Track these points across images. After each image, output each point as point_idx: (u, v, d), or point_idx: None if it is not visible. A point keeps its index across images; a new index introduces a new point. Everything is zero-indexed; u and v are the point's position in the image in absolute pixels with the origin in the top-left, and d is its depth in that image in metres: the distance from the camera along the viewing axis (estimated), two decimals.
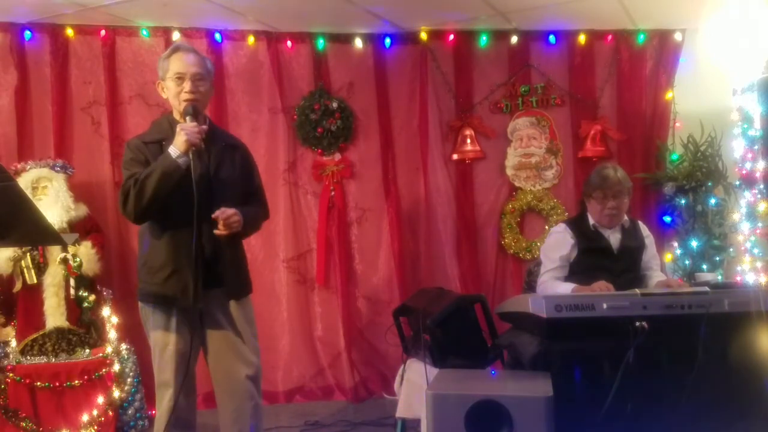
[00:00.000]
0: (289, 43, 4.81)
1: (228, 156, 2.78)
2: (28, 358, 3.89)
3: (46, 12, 4.29)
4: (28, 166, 4.10)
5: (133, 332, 3.91)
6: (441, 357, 3.05)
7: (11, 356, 3.91)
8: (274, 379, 4.71)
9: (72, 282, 4.01)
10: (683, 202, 4.59)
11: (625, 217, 3.22)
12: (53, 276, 3.97)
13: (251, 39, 4.75)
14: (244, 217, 2.66)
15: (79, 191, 4.25)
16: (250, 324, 2.79)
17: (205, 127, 2.67)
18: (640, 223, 3.35)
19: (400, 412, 3.26)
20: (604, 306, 2.39)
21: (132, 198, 2.55)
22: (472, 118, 4.91)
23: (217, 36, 4.69)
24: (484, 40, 4.86)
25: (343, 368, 4.77)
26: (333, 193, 4.84)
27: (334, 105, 4.79)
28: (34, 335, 3.92)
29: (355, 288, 4.91)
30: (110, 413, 3.86)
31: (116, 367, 3.92)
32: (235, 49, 4.78)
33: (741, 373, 2.39)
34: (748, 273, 4.20)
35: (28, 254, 3.94)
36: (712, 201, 4.56)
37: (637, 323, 2.36)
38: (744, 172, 4.32)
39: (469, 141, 4.90)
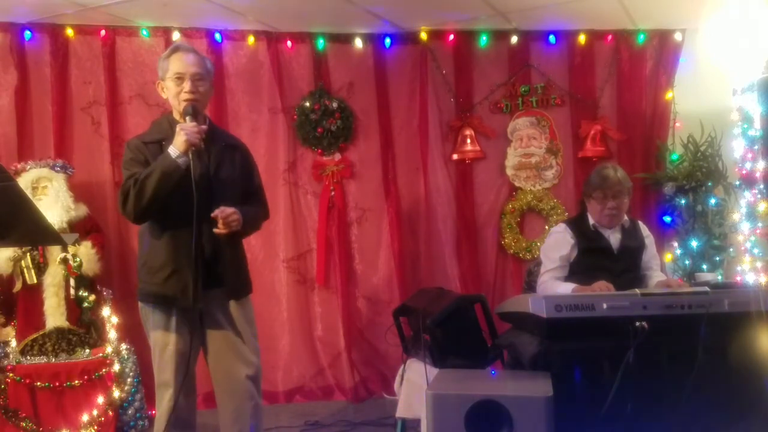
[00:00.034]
0: (289, 43, 4.81)
1: (228, 156, 2.78)
2: (28, 358, 3.89)
3: (46, 12, 4.29)
4: (28, 166, 4.10)
5: (133, 332, 3.91)
6: (441, 357, 3.05)
7: (11, 356, 3.91)
8: (274, 379, 4.71)
9: (72, 282, 4.01)
10: (683, 202, 4.59)
11: (625, 217, 3.22)
12: (53, 276, 3.97)
13: (251, 39, 4.75)
14: (243, 216, 2.66)
15: (79, 191, 4.25)
16: (250, 324, 2.79)
17: (204, 127, 2.67)
18: (640, 223, 3.35)
19: (400, 412, 3.26)
20: (604, 306, 2.39)
21: (132, 198, 2.55)
22: (472, 118, 4.91)
23: (217, 36, 4.69)
24: (484, 40, 4.86)
25: (343, 368, 4.77)
26: (333, 193, 4.84)
27: (334, 105, 4.79)
28: (34, 335, 3.92)
29: (355, 288, 4.91)
30: (110, 413, 3.86)
31: (116, 367, 3.92)
32: (235, 49, 4.78)
33: (741, 373, 2.39)
34: (748, 273, 4.20)
35: (28, 254, 3.94)
36: (712, 201, 4.56)
37: (637, 323, 2.36)
38: (744, 172, 4.32)
39: (469, 141, 4.90)
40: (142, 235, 2.73)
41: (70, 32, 4.48)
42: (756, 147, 4.24)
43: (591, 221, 3.21)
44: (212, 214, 2.57)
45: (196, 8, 4.28)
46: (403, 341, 3.67)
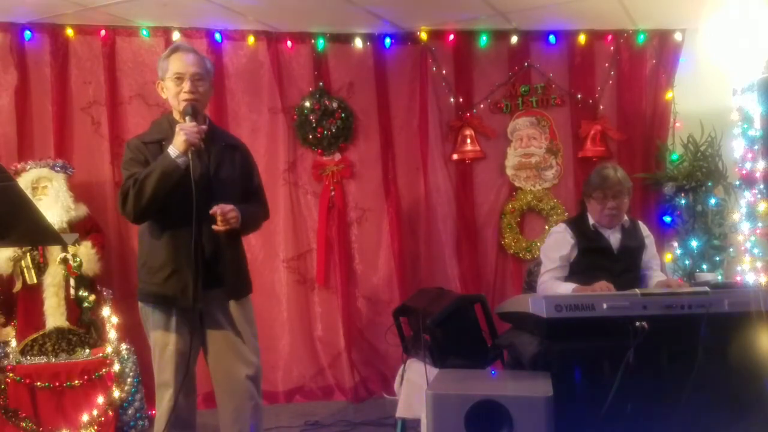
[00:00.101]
0: (289, 43, 4.81)
1: (228, 156, 2.78)
2: (28, 358, 3.89)
3: (46, 12, 4.29)
4: (28, 166, 4.10)
5: (133, 332, 3.91)
6: (441, 357, 3.05)
7: (11, 356, 3.91)
8: (274, 379, 4.71)
9: (72, 282, 4.01)
10: (683, 202, 4.59)
11: (625, 217, 3.22)
12: (53, 276, 3.97)
13: (251, 39, 4.75)
14: (242, 214, 2.65)
15: (79, 191, 4.25)
16: (250, 324, 2.79)
17: (204, 127, 2.66)
18: (640, 223, 3.35)
19: (400, 412, 3.26)
20: (604, 306, 2.39)
21: (131, 198, 2.55)
22: (472, 118, 4.91)
23: (217, 36, 4.69)
24: (484, 40, 4.86)
25: (343, 368, 4.77)
26: (333, 193, 4.84)
27: (334, 105, 4.79)
28: (34, 335, 3.91)
29: (355, 288, 4.91)
30: (110, 413, 3.86)
31: (116, 367, 3.92)
32: (235, 49, 4.78)
33: (741, 373, 2.39)
34: (748, 273, 4.20)
35: (28, 254, 3.94)
36: (712, 201, 4.56)
37: (637, 323, 2.36)
38: (744, 172, 4.32)
39: (469, 141, 4.90)
40: (142, 235, 2.73)
41: (70, 32, 4.48)
42: (756, 147, 4.24)
43: (591, 221, 3.21)
44: (211, 211, 2.57)
45: (196, 8, 4.28)
46: (403, 341, 3.67)
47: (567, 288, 3.03)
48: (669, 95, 4.83)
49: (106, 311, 4.09)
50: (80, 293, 4.04)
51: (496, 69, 4.92)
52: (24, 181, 3.97)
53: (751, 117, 4.29)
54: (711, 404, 2.37)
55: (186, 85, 2.65)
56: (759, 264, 4.17)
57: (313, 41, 4.81)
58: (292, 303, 4.82)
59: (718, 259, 4.51)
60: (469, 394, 2.29)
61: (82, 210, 4.16)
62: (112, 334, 4.01)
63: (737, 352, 2.39)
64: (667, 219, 4.71)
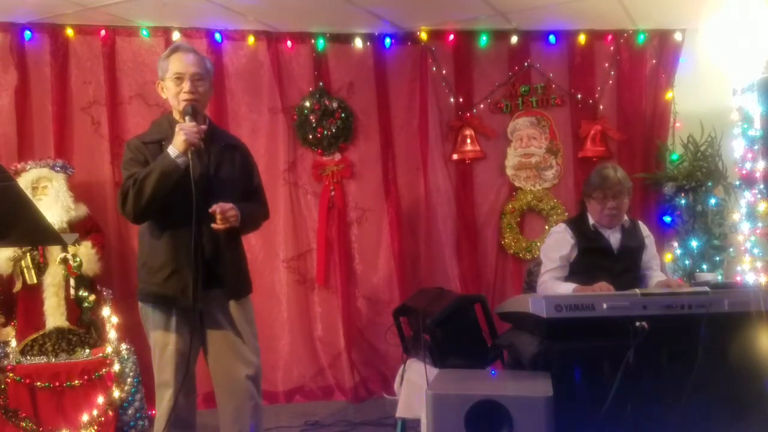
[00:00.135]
0: (289, 43, 4.81)
1: (228, 156, 2.78)
2: (28, 358, 3.89)
3: (46, 12, 4.28)
4: (28, 166, 4.10)
5: (133, 332, 3.91)
6: (441, 357, 3.05)
7: (11, 356, 3.91)
8: (274, 379, 4.71)
9: (72, 282, 4.01)
10: (683, 202, 4.59)
11: (625, 217, 3.22)
12: (53, 276, 3.97)
13: (251, 39, 4.75)
14: (241, 213, 2.65)
15: (79, 191, 4.25)
16: (250, 324, 2.79)
17: (204, 126, 2.66)
18: (640, 223, 3.35)
19: (400, 412, 3.26)
20: (604, 306, 2.39)
21: (131, 198, 2.55)
22: (472, 118, 4.91)
23: (217, 36, 4.69)
24: (484, 40, 4.86)
25: (343, 368, 4.77)
26: (333, 193, 4.84)
27: (334, 105, 4.79)
28: (34, 335, 3.91)
29: (355, 288, 4.91)
30: (110, 413, 3.86)
31: (116, 367, 3.92)
32: (235, 49, 4.78)
33: (741, 373, 2.39)
34: (748, 273, 4.20)
35: (28, 254, 3.94)
36: (712, 201, 4.56)
37: (637, 323, 2.36)
38: (744, 172, 4.32)
39: (469, 141, 4.90)
40: (142, 235, 2.73)
41: (70, 32, 4.48)
42: (756, 147, 4.24)
43: (591, 221, 3.21)
44: (210, 209, 2.57)
45: (196, 8, 4.28)
46: (403, 341, 3.67)
47: (567, 288, 3.03)
48: (669, 95, 4.83)
49: (106, 311, 4.09)
50: (80, 293, 4.04)
51: (496, 69, 4.92)
52: (24, 181, 3.97)
53: (751, 117, 4.29)
54: (711, 404, 2.37)
55: (186, 85, 2.65)
56: (759, 264, 4.16)
57: (313, 41, 4.81)
58: (292, 303, 4.82)
59: (718, 259, 4.51)
60: (469, 394, 2.29)
61: (82, 210, 4.16)
62: (112, 334, 4.01)
63: (737, 352, 2.39)
64: (667, 219, 4.71)
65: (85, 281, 4.06)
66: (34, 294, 3.97)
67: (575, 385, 2.43)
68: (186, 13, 4.41)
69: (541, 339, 2.52)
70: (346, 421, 4.24)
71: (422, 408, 2.59)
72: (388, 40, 4.86)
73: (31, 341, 3.91)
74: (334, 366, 4.81)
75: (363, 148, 4.93)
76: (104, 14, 4.30)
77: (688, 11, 4.47)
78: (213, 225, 2.59)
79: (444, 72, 4.90)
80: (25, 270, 3.95)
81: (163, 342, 2.66)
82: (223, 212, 2.59)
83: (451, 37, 4.86)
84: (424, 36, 4.84)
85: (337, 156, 4.87)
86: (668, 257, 4.57)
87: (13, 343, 3.96)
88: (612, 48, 4.88)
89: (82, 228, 4.11)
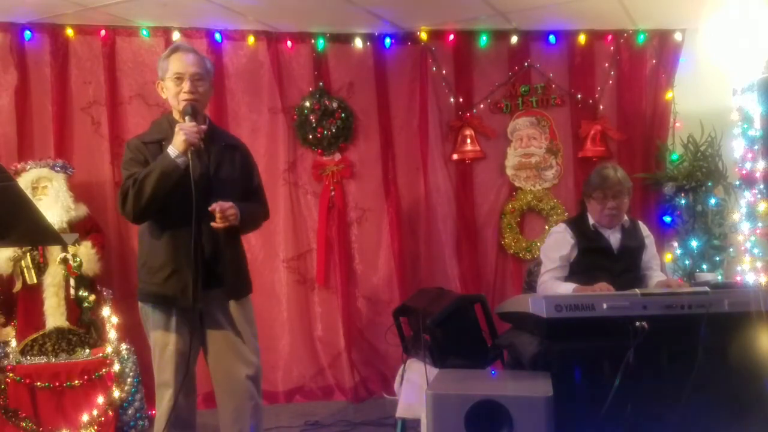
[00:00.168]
0: (289, 43, 4.81)
1: (228, 156, 2.78)
2: (28, 358, 3.89)
3: (46, 12, 4.28)
4: (28, 166, 4.10)
5: (133, 332, 3.91)
6: (441, 357, 3.05)
7: (11, 356, 3.91)
8: (274, 379, 4.71)
9: (72, 282, 4.01)
10: (683, 202, 4.59)
11: (625, 217, 3.22)
12: (53, 276, 3.97)
13: (251, 39, 4.75)
14: (241, 211, 2.65)
15: (79, 191, 4.25)
16: (250, 324, 2.79)
17: (204, 126, 2.66)
18: (640, 223, 3.35)
19: (400, 412, 3.26)
20: (604, 306, 2.39)
21: (131, 198, 2.55)
22: (472, 118, 4.91)
23: (217, 36, 4.69)
24: (484, 40, 4.86)
25: (343, 368, 4.77)
26: (333, 193, 4.84)
27: (334, 105, 4.79)
28: (34, 335, 3.91)
29: (355, 288, 4.91)
30: (110, 413, 3.86)
31: (116, 367, 3.91)
32: (235, 49, 4.78)
33: (741, 373, 2.39)
34: (748, 273, 4.20)
35: (28, 254, 3.94)
36: (712, 201, 4.56)
37: (637, 323, 2.36)
38: (744, 172, 4.32)
39: (469, 141, 4.90)
40: (142, 235, 2.73)
41: (70, 32, 4.48)
42: (756, 147, 4.24)
43: (591, 221, 3.21)
44: (210, 208, 2.57)
45: (196, 8, 4.28)
46: (403, 341, 3.67)
47: (567, 288, 3.03)
48: (669, 95, 4.83)
49: (106, 311, 4.09)
50: (80, 293, 4.04)
51: (496, 69, 4.92)
52: (24, 181, 3.97)
53: (751, 117, 4.29)
54: (711, 404, 2.37)
55: (186, 85, 2.65)
56: (759, 264, 4.16)
57: (313, 41, 4.81)
58: (292, 303, 4.82)
59: (718, 259, 4.51)
60: (469, 394, 2.29)
61: (82, 210, 4.16)
62: (112, 334, 4.01)
63: (737, 352, 2.39)
64: (667, 219, 4.71)
65: (85, 281, 4.06)
66: (34, 294, 3.97)
67: (575, 385, 2.43)
68: (186, 13, 4.41)
69: (541, 339, 2.52)
70: (346, 421, 4.24)
71: (422, 408, 2.60)
72: (388, 40, 4.86)
73: (31, 341, 3.91)
74: (334, 366, 4.81)
75: (363, 148, 4.93)
76: (104, 14, 4.30)
77: (688, 11, 4.47)
78: (212, 223, 2.59)
79: (444, 72, 4.90)
80: (25, 270, 3.95)
81: (163, 342, 2.66)
82: (222, 210, 2.58)
83: (451, 37, 4.86)
84: (424, 36, 4.84)
85: (337, 156, 4.87)
86: (668, 257, 4.57)
87: (13, 343, 3.96)
88: (612, 48, 4.88)
89: (82, 228, 4.11)
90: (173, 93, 2.68)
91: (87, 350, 3.98)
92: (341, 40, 4.85)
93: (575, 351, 2.45)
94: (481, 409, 2.23)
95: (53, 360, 3.90)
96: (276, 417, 4.27)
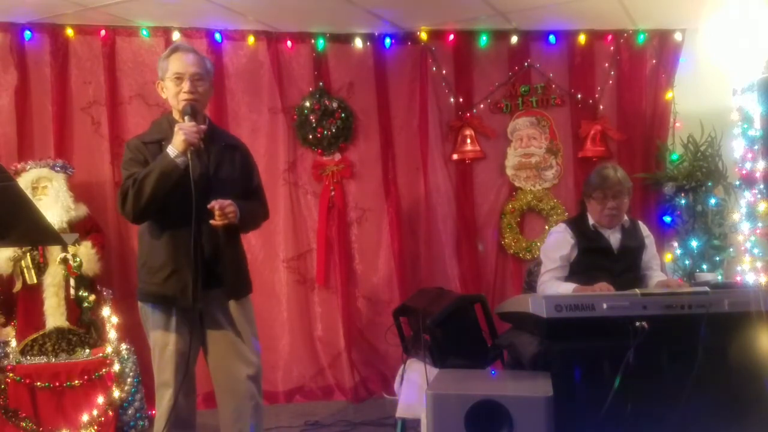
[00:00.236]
0: (289, 43, 4.81)
1: (228, 156, 2.78)
2: (28, 358, 3.89)
3: (46, 12, 4.29)
4: (28, 166, 4.10)
5: (133, 332, 3.91)
6: (441, 357, 3.05)
7: (11, 356, 3.91)
8: (274, 379, 4.71)
9: (72, 282, 4.01)
10: (683, 202, 4.59)
11: (625, 217, 3.22)
12: (53, 276, 3.97)
13: (251, 39, 4.75)
14: (240, 210, 2.65)
15: (79, 191, 4.25)
16: (250, 324, 2.79)
17: (203, 126, 2.66)
18: (640, 223, 3.34)
19: (400, 412, 3.26)
20: (604, 306, 2.40)
21: (130, 198, 2.55)
22: (472, 118, 4.91)
23: (217, 36, 4.69)
24: (484, 40, 4.86)
25: (343, 368, 4.77)
26: (333, 193, 4.84)
27: (334, 105, 4.79)
28: (34, 335, 3.91)
29: (355, 288, 4.91)
30: (110, 413, 3.86)
31: (116, 367, 3.91)
32: (235, 49, 4.78)
33: (741, 373, 2.39)
34: (748, 273, 4.20)
35: (28, 254, 3.94)
36: (712, 201, 4.56)
37: (637, 323, 2.36)
38: (744, 172, 4.32)
39: (469, 141, 4.90)
40: (142, 235, 2.73)
41: (70, 32, 4.48)
42: (756, 147, 4.24)
43: (591, 221, 3.21)
44: (209, 205, 2.57)
45: (196, 8, 4.28)
46: (403, 341, 3.67)
47: (567, 288, 3.03)
48: (669, 95, 4.83)
49: (106, 311, 4.09)
50: (80, 293, 4.04)
51: (496, 69, 4.92)
52: (24, 181, 3.97)
53: (751, 117, 4.29)
54: (711, 404, 2.37)
55: (185, 85, 2.65)
56: (759, 264, 4.17)
57: (313, 41, 4.81)
58: (292, 303, 4.82)
59: (718, 259, 4.51)
60: (469, 394, 2.29)
61: (82, 210, 4.16)
62: (112, 334, 4.01)
63: (737, 352, 2.39)
64: (667, 219, 4.71)
65: (85, 281, 4.06)
66: (34, 294, 3.97)
67: (575, 385, 2.43)
68: (186, 13, 4.41)
69: (541, 339, 2.52)
70: (346, 421, 4.24)
71: (422, 408, 2.60)
72: (388, 40, 4.86)
73: (31, 341, 3.91)
74: (334, 366, 4.81)
75: (363, 148, 4.93)
76: (104, 14, 4.30)
77: (688, 11, 4.47)
78: (212, 221, 2.59)
79: (444, 72, 4.90)
80: (25, 270, 3.95)
81: (163, 342, 2.66)
82: (221, 208, 2.58)
83: (451, 37, 4.86)
84: (424, 36, 4.84)
85: (337, 156, 4.87)
86: (668, 257, 4.57)
87: (13, 343, 3.96)
88: (612, 48, 4.88)
89: (82, 228, 4.11)
90: (173, 93, 2.68)
91: (87, 350, 3.98)
92: (341, 40, 4.85)
93: (575, 351, 2.45)
94: (481, 409, 2.23)
95: (53, 360, 3.90)
96: (276, 417, 4.27)
